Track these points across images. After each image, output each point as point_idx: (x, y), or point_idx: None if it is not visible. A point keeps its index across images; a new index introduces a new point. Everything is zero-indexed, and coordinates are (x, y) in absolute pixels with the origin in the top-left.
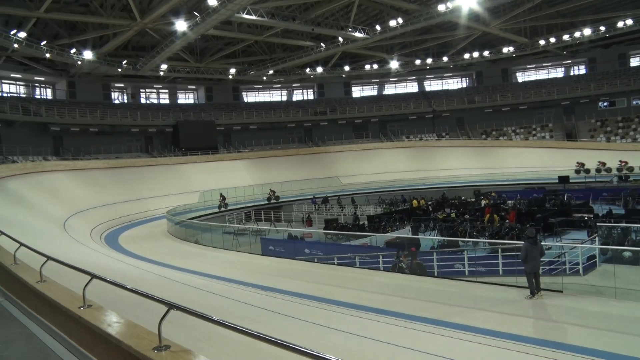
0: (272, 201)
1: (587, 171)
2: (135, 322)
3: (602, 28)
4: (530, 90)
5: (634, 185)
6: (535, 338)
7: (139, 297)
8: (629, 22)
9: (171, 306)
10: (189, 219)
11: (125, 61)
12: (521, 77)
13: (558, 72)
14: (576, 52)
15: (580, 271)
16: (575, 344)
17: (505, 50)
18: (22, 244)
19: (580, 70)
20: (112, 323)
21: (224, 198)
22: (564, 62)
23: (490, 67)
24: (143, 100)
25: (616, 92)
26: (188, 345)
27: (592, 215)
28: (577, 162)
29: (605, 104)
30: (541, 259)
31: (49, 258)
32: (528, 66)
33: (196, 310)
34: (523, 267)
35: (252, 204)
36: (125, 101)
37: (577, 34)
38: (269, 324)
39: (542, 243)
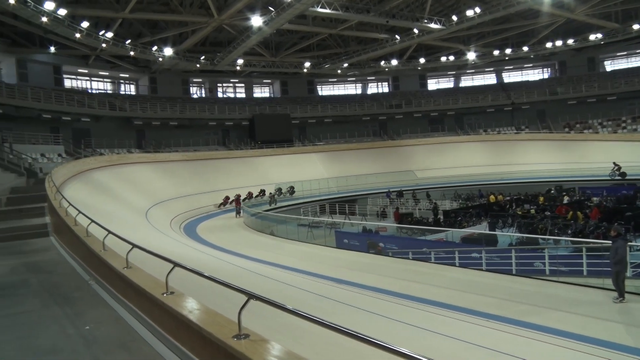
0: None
1: (624, 174)
2: (215, 310)
3: None
4: (620, 80)
5: None
6: (621, 344)
7: (217, 285)
8: None
9: (251, 296)
10: (265, 210)
11: (203, 57)
12: (610, 65)
13: None
14: None
15: None
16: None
17: (592, 37)
18: (109, 232)
19: None
20: (193, 310)
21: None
22: None
23: (574, 56)
24: (220, 95)
25: None
26: (265, 334)
27: None
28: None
29: None
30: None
31: (134, 246)
32: (618, 54)
33: (276, 302)
34: (610, 269)
35: (327, 197)
36: (203, 96)
37: None
38: (343, 316)
39: (633, 243)
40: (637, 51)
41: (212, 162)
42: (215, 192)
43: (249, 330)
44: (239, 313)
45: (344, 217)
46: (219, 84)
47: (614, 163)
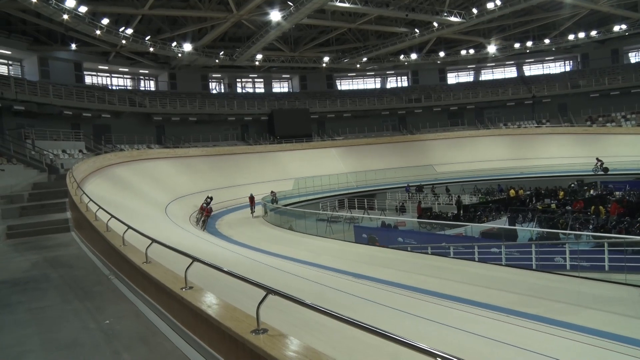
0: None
1: (606, 170)
2: (233, 305)
3: None
4: None
5: None
6: None
7: (235, 280)
8: None
9: (269, 291)
10: (283, 205)
11: (222, 52)
12: (634, 57)
13: None
14: None
15: None
16: None
17: (616, 28)
18: (129, 227)
19: None
20: (212, 305)
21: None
22: None
23: (597, 48)
24: (239, 90)
25: None
26: (283, 329)
27: None
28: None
29: None
30: None
31: (153, 241)
32: None
33: (294, 296)
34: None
35: (346, 192)
36: (223, 91)
37: None
38: (362, 311)
39: None
40: None
41: (232, 157)
42: (235, 187)
43: (268, 325)
44: (258, 308)
45: (363, 212)
46: (238, 79)
47: (597, 159)
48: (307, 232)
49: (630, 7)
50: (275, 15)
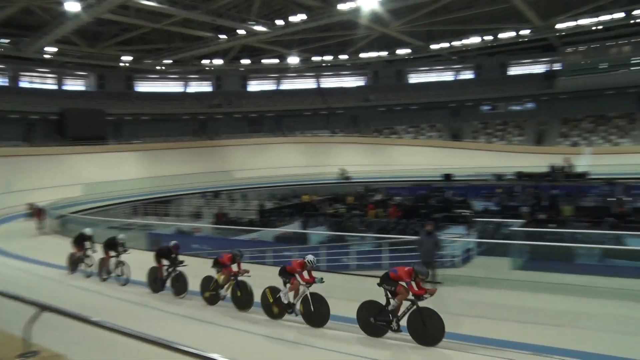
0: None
1: (347, 178)
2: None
3: (488, 37)
4: (421, 92)
5: (508, 184)
6: None
7: (7, 300)
8: (511, 34)
9: (43, 308)
10: (71, 212)
11: (7, 41)
12: (414, 78)
13: (448, 76)
14: (464, 58)
15: (459, 263)
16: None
17: (400, 52)
18: None
19: (468, 75)
20: None
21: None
22: (453, 66)
23: (386, 67)
24: (26, 85)
25: (497, 97)
26: (60, 349)
27: (470, 212)
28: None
29: (487, 107)
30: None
31: None
32: (421, 68)
33: (73, 312)
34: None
35: (140, 198)
36: (5, 84)
37: (466, 41)
38: (159, 324)
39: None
40: (435, 68)
41: (12, 159)
42: (16, 193)
43: (40, 346)
44: (25, 328)
45: (158, 219)
46: (24, 72)
47: (340, 168)
48: (97, 242)
49: (413, 35)
50: (72, 6)
